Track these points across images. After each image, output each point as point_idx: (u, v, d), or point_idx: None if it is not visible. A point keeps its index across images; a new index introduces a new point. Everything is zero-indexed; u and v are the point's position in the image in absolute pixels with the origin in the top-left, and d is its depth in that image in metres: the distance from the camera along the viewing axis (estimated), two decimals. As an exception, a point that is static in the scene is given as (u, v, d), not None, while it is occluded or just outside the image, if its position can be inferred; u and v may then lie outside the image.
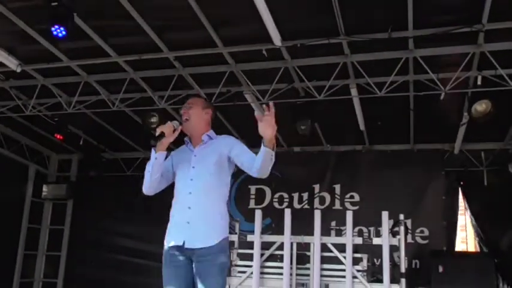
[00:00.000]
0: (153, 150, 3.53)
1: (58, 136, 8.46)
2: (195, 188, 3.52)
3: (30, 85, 7.50)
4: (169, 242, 3.55)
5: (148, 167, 3.56)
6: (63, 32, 5.44)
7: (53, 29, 5.43)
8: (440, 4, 5.42)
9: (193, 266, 3.46)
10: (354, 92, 6.79)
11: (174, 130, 3.59)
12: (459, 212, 8.69)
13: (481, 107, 6.41)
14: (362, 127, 7.86)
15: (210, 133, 3.75)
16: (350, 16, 5.52)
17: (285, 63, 6.49)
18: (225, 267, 3.54)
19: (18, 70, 6.90)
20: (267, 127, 3.22)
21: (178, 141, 3.78)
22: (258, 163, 3.33)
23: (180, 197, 3.59)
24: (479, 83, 6.23)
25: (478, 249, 8.51)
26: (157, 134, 3.49)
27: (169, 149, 3.66)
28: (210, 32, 5.96)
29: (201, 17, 5.68)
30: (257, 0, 5.03)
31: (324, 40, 5.83)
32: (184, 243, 3.45)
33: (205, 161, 3.58)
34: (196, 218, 3.48)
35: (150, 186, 3.60)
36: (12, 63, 6.78)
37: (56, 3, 5.28)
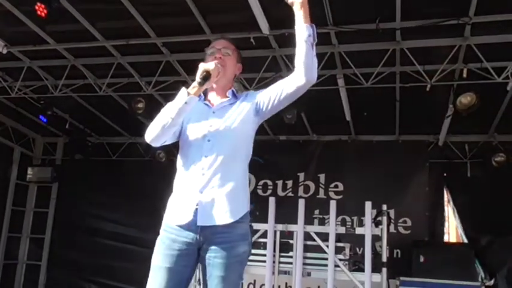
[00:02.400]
0: (183, 90, 2.71)
1: (43, 118, 8.40)
2: (213, 150, 2.73)
3: (16, 67, 7.45)
4: (172, 218, 2.74)
5: (171, 112, 2.68)
6: (45, 11, 5.43)
7: (36, 7, 5.43)
8: (428, -4, 5.47)
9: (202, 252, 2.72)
10: (340, 82, 6.80)
11: (218, 74, 2.80)
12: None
13: (466, 99, 6.47)
14: (348, 117, 7.88)
15: (235, 90, 2.96)
16: (338, 6, 5.53)
17: (272, 52, 6.49)
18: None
19: (4, 51, 6.83)
20: None
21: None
22: (300, 56, 2.71)
23: (192, 163, 2.76)
24: (464, 75, 6.29)
25: (461, 240, 8.59)
26: (202, 73, 2.71)
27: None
28: (198, 19, 5.94)
29: (189, 3, 5.66)
30: (246, -12, 5.03)
31: (312, 30, 5.83)
32: (194, 220, 2.68)
33: (228, 120, 2.80)
34: (211, 187, 2.70)
35: (163, 133, 2.72)
36: (-2, 44, 6.74)
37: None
